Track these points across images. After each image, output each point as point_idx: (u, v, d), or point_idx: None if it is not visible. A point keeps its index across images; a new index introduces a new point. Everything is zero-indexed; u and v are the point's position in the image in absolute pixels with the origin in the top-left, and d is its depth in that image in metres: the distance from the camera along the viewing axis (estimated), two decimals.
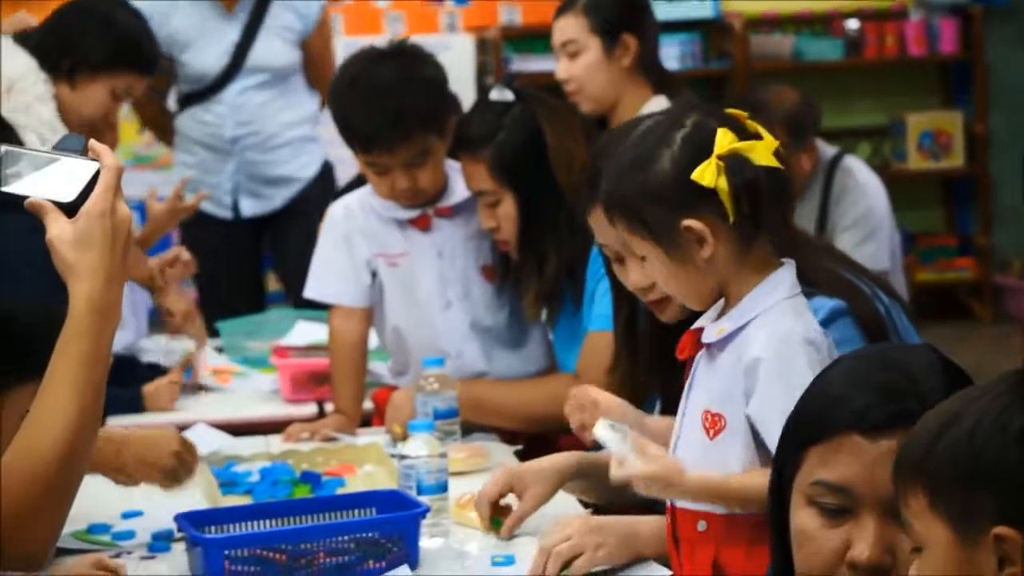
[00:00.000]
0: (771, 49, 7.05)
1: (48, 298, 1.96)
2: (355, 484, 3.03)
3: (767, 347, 2.25)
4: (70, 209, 1.93)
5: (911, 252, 7.12)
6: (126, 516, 2.92)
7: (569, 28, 3.95)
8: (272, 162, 5.25)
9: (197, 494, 2.95)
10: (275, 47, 5.17)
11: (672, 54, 6.91)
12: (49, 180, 1.96)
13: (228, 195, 5.27)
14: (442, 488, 2.73)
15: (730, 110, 2.35)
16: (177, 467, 2.84)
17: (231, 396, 4.00)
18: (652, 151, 2.31)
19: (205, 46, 5.19)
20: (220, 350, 4.35)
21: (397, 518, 2.56)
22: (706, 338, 2.33)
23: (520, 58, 6.80)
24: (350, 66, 3.44)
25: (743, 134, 2.29)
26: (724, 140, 2.26)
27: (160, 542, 2.76)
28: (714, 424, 2.32)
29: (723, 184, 2.24)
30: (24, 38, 3.96)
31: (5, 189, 1.96)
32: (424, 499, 2.66)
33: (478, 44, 6.83)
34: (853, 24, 7.15)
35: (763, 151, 2.26)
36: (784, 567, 1.81)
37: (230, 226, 5.28)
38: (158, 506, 2.87)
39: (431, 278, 3.47)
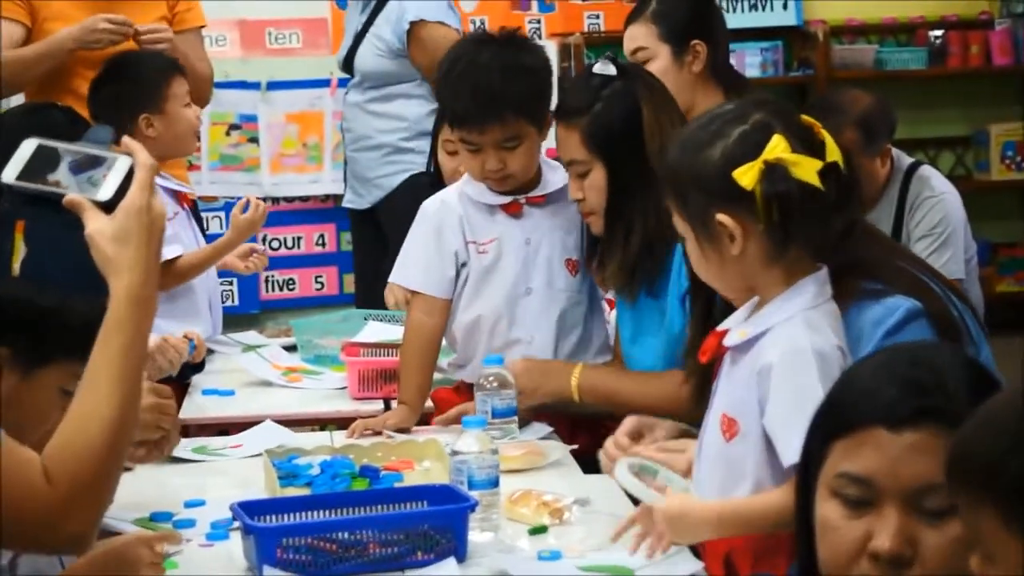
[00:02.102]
0: (853, 58, 7.01)
1: (85, 292, 2.02)
2: (413, 479, 3.07)
3: (779, 357, 2.30)
4: (106, 205, 2.00)
5: (991, 263, 7.06)
6: (188, 505, 2.98)
7: (639, 36, 3.98)
8: (361, 162, 5.47)
9: (257, 485, 3.02)
10: (369, 53, 5.38)
11: (753, 62, 6.91)
12: (85, 176, 2.02)
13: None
14: (493, 483, 2.77)
15: (805, 116, 2.37)
16: (154, 420, 2.85)
17: (300, 393, 4.06)
18: (711, 137, 2.36)
19: (346, 40, 5.56)
20: (291, 348, 4.42)
21: (446, 511, 2.60)
22: (728, 341, 2.37)
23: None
24: (458, 47, 3.59)
25: (808, 143, 2.32)
26: (776, 147, 2.29)
27: (218, 531, 2.82)
28: (730, 428, 2.37)
29: (759, 189, 2.28)
30: None
31: (42, 187, 2.03)
32: (475, 494, 2.70)
33: (561, 50, 6.86)
34: (937, 33, 7.11)
35: (808, 167, 2.29)
36: (809, 559, 1.84)
37: (351, 214, 5.71)
38: (220, 496, 2.93)
39: (516, 264, 3.54)
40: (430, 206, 3.63)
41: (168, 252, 4.28)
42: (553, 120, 3.47)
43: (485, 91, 3.41)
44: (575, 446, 3.26)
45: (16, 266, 2.11)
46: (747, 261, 2.34)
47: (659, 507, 2.33)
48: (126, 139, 2.05)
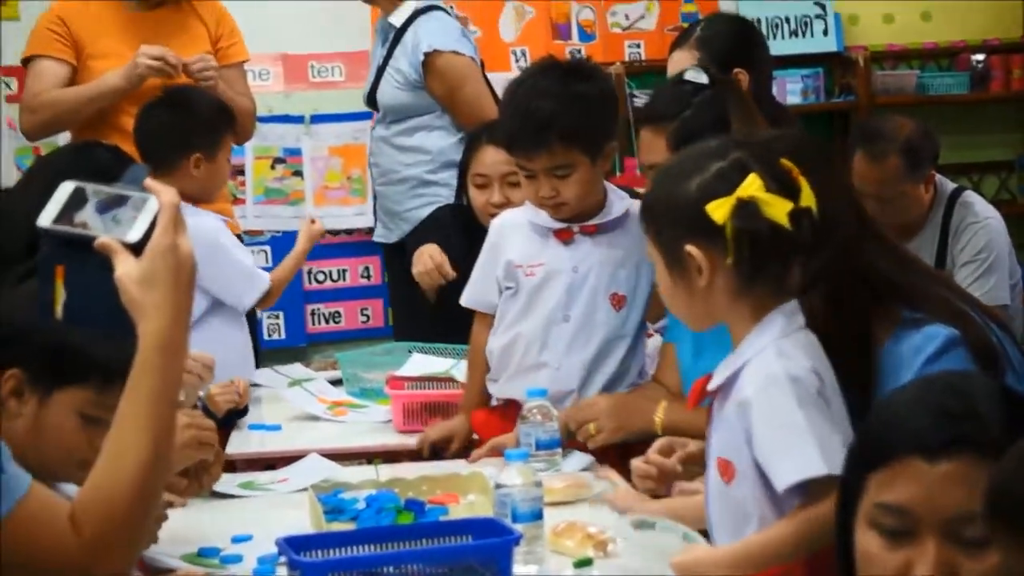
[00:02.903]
0: (895, 83, 7.01)
1: (120, 336, 2.02)
2: (458, 512, 3.08)
3: (754, 389, 2.36)
4: (137, 247, 1.99)
5: None
6: (236, 540, 3.00)
7: (682, 63, 3.99)
8: (389, 196, 5.50)
9: (303, 520, 3.03)
10: (388, 86, 5.42)
11: (795, 89, 6.91)
12: (116, 218, 2.03)
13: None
14: (536, 516, 2.78)
15: (784, 160, 2.41)
16: (193, 439, 2.87)
17: (346, 426, 4.08)
18: (689, 170, 2.42)
19: (370, 76, 5.60)
20: (336, 382, 4.44)
21: (490, 545, 2.61)
22: (711, 386, 2.44)
23: (644, 93, 6.84)
24: (526, 70, 3.67)
25: (784, 185, 2.37)
26: (751, 185, 2.35)
27: (265, 566, 2.84)
28: (727, 471, 2.42)
29: (731, 224, 2.34)
30: None
31: (77, 230, 2.04)
32: (519, 527, 2.71)
33: None
34: (979, 57, 7.10)
35: (779, 208, 2.35)
36: None
37: (383, 248, 5.75)
38: (267, 531, 2.95)
39: (559, 290, 3.57)
40: (495, 223, 3.71)
41: (262, 282, 4.52)
42: (615, 150, 3.52)
43: (534, 118, 3.44)
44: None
45: (59, 310, 2.13)
46: (714, 294, 2.41)
47: (673, 560, 2.37)
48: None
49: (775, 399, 2.33)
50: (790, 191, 2.37)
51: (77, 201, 2.05)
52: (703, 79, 3.34)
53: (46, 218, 2.05)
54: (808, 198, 2.38)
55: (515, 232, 3.63)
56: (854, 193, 2.74)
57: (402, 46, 5.42)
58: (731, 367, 2.41)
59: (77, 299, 2.07)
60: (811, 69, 7.00)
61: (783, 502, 2.33)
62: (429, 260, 4.44)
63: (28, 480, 1.90)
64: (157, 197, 2.02)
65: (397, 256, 5.50)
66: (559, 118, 3.44)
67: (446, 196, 5.38)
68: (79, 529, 1.91)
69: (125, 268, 1.98)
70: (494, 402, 3.70)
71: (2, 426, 2.21)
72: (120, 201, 2.04)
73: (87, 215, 2.04)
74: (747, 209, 2.34)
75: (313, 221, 4.92)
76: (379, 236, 5.70)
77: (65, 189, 2.07)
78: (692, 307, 2.46)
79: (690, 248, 2.39)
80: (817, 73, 7.00)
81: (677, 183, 2.42)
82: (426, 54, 5.35)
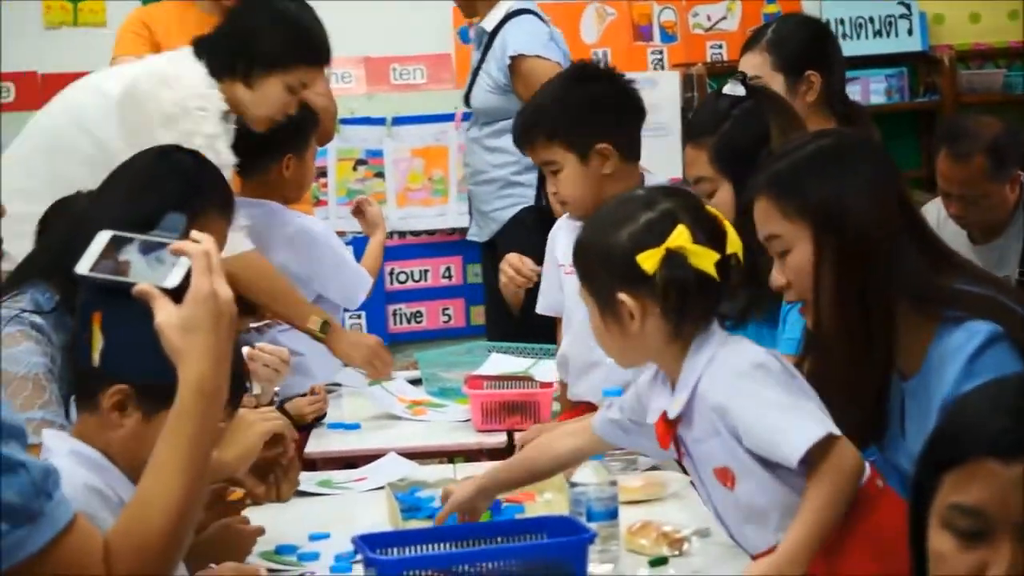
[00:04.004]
0: (981, 82, 6.94)
1: (165, 381, 2.04)
2: (534, 511, 3.09)
3: (727, 388, 2.44)
4: (176, 293, 2.02)
5: None
6: (313, 538, 3.03)
7: (754, 64, 3.98)
8: (479, 196, 5.64)
9: (380, 518, 3.05)
10: (480, 90, 5.53)
11: (879, 88, 6.87)
12: (154, 265, 2.05)
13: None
14: (612, 515, 2.78)
15: (709, 208, 2.52)
16: (267, 432, 2.86)
17: (425, 426, 4.10)
18: (619, 221, 2.51)
19: (469, 78, 5.72)
20: (416, 382, 4.46)
21: (564, 543, 2.61)
22: (671, 414, 2.52)
23: None
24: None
25: (711, 233, 2.48)
26: (679, 236, 2.45)
27: (342, 563, 2.86)
28: (727, 477, 2.49)
29: (660, 274, 2.44)
30: (200, 45, 4.10)
31: (114, 278, 2.06)
32: (593, 525, 2.71)
33: (684, 80, 6.87)
34: None
35: (706, 259, 2.45)
36: None
37: (480, 246, 5.83)
38: (344, 529, 2.97)
39: None
40: (552, 229, 3.84)
41: (367, 280, 4.58)
42: (609, 151, 3.58)
43: (523, 116, 3.69)
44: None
45: (96, 357, 2.15)
46: (646, 338, 2.51)
47: None
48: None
49: (750, 389, 2.42)
50: (717, 239, 2.47)
51: (121, 250, 2.08)
52: (740, 91, 3.34)
53: (84, 265, 2.09)
54: (735, 244, 2.48)
55: (561, 233, 3.76)
56: (901, 190, 2.72)
57: (492, 50, 5.52)
58: (685, 392, 2.49)
59: (116, 345, 2.10)
60: (895, 69, 6.95)
61: (793, 478, 2.41)
62: (508, 269, 4.44)
63: (71, 511, 1.92)
64: (190, 245, 2.04)
65: (489, 254, 5.57)
66: (542, 117, 3.61)
67: (529, 197, 5.48)
68: (111, 567, 1.93)
69: (165, 315, 2.01)
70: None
71: (99, 434, 2.24)
72: (159, 247, 2.07)
73: (131, 254, 2.07)
74: (675, 260, 2.44)
75: (370, 202, 4.91)
76: (472, 235, 5.85)
77: (102, 239, 2.11)
78: (624, 350, 2.57)
79: (622, 296, 2.49)
80: (901, 73, 6.95)
81: (608, 232, 2.51)
82: (512, 58, 5.40)
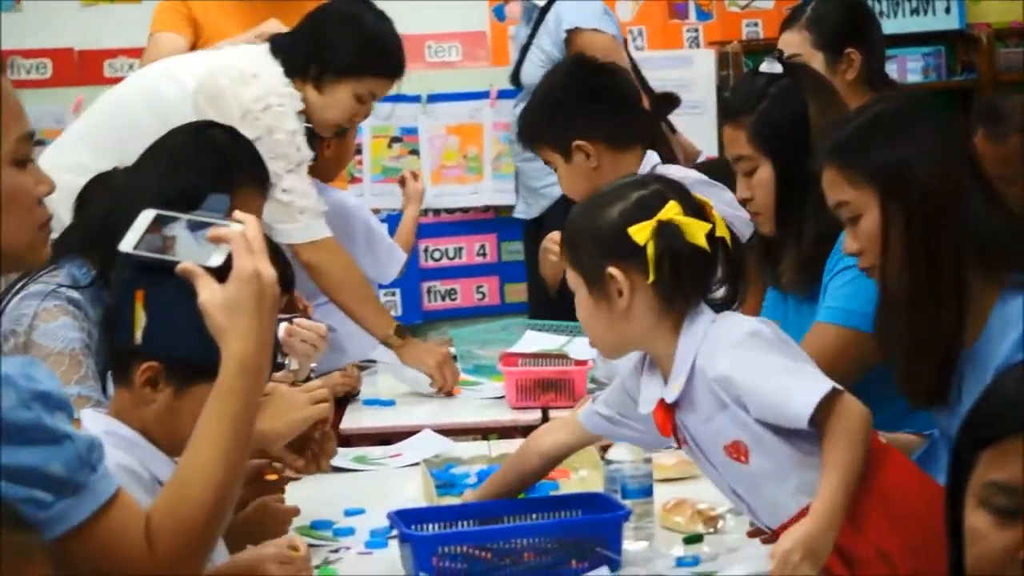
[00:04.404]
0: (1019, 61, 6.90)
1: (208, 358, 2.05)
2: (568, 487, 3.10)
3: (726, 362, 2.43)
4: (219, 272, 2.02)
5: None
6: (349, 514, 3.05)
7: (793, 43, 3.97)
8: (528, 173, 5.63)
9: (415, 494, 3.06)
10: (532, 66, 5.51)
11: (916, 67, 6.83)
12: (198, 244, 2.06)
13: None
14: (647, 492, 2.79)
15: (697, 195, 2.51)
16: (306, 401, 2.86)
17: (459, 402, 4.11)
18: (610, 199, 2.52)
19: (514, 54, 5.79)
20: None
21: (599, 520, 2.62)
22: (670, 399, 2.49)
23: None
24: None
25: (700, 216, 2.47)
26: (670, 210, 2.45)
27: (377, 539, 2.87)
28: (739, 450, 2.47)
29: (652, 245, 2.43)
30: (277, 45, 4.12)
31: (158, 256, 2.07)
32: (628, 503, 2.72)
33: (720, 58, 6.85)
34: None
35: (698, 230, 2.45)
36: (959, 567, 1.83)
37: (523, 224, 5.90)
38: (379, 505, 2.98)
39: None
40: None
41: (400, 255, 4.63)
42: (585, 147, 3.68)
43: (518, 124, 3.88)
44: None
45: (138, 335, 2.16)
46: (633, 317, 2.48)
47: (775, 551, 2.33)
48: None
49: (750, 357, 2.42)
50: (704, 220, 2.47)
51: (166, 228, 2.09)
52: (777, 69, 3.33)
53: (127, 243, 2.10)
54: (723, 230, 2.48)
55: None
56: (968, 151, 2.72)
57: (545, 25, 5.50)
58: (682, 373, 2.47)
59: (159, 323, 2.11)
60: (932, 47, 6.91)
61: (804, 442, 2.41)
62: (552, 246, 4.44)
63: (114, 485, 1.92)
64: (233, 226, 2.05)
65: (533, 232, 5.56)
66: (524, 124, 3.76)
67: None
68: (152, 544, 1.94)
69: (209, 293, 2.02)
70: None
71: (134, 410, 2.25)
72: (202, 227, 2.08)
73: (175, 233, 2.08)
74: (668, 231, 2.43)
75: (415, 176, 4.94)
76: (520, 212, 5.84)
77: (146, 217, 2.12)
78: (612, 331, 2.53)
79: (612, 270, 2.47)
80: (939, 51, 6.91)
81: (599, 211, 2.51)
82: (568, 31, 5.38)
